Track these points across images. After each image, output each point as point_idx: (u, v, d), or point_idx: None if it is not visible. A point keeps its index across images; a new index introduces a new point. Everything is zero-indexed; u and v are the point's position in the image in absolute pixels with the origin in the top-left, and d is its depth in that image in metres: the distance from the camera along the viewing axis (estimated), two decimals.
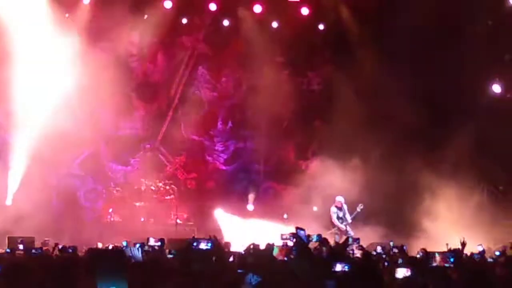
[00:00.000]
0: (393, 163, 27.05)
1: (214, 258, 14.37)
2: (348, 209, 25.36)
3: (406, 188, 26.75)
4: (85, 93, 27.76)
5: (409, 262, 14.83)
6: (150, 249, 17.60)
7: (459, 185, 26.43)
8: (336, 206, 25.39)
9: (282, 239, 19.11)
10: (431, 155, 26.71)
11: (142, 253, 15.95)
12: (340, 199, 25.43)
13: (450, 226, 25.05)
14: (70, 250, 18.44)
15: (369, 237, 24.89)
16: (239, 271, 12.44)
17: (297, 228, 15.69)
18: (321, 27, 30.09)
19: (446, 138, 26.62)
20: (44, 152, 26.97)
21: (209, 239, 16.50)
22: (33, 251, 18.52)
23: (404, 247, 19.65)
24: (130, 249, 16.03)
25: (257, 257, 14.87)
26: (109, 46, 28.78)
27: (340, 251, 15.79)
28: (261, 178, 30.71)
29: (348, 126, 27.62)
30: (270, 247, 15.62)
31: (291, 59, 30.43)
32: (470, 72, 26.48)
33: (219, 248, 16.15)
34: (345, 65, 28.42)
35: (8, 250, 20.24)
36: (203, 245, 16.40)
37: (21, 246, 20.46)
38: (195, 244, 16.50)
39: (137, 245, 17.31)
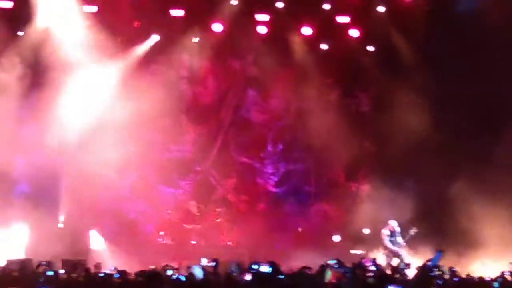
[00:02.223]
0: (445, 183, 26.75)
1: None
2: (401, 232, 25.07)
3: (460, 208, 26.34)
4: (135, 115, 27.94)
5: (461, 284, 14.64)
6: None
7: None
8: (389, 229, 25.15)
9: (328, 267, 18.96)
10: (484, 172, 26.18)
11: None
12: (393, 223, 25.18)
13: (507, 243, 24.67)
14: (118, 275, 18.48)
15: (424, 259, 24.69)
16: None
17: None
18: (370, 48, 29.97)
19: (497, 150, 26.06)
20: (95, 175, 27.15)
21: (270, 263, 16.51)
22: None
23: (453, 269, 19.52)
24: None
25: (307, 280, 14.78)
26: (160, 68, 29.03)
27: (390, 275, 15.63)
28: (311, 200, 30.57)
29: (399, 147, 27.37)
30: (323, 268, 15.49)
31: (340, 81, 30.36)
32: None
33: (279, 272, 16.13)
34: (395, 85, 28.25)
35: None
36: (264, 268, 16.38)
37: (62, 271, 20.46)
38: (256, 266, 16.51)
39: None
